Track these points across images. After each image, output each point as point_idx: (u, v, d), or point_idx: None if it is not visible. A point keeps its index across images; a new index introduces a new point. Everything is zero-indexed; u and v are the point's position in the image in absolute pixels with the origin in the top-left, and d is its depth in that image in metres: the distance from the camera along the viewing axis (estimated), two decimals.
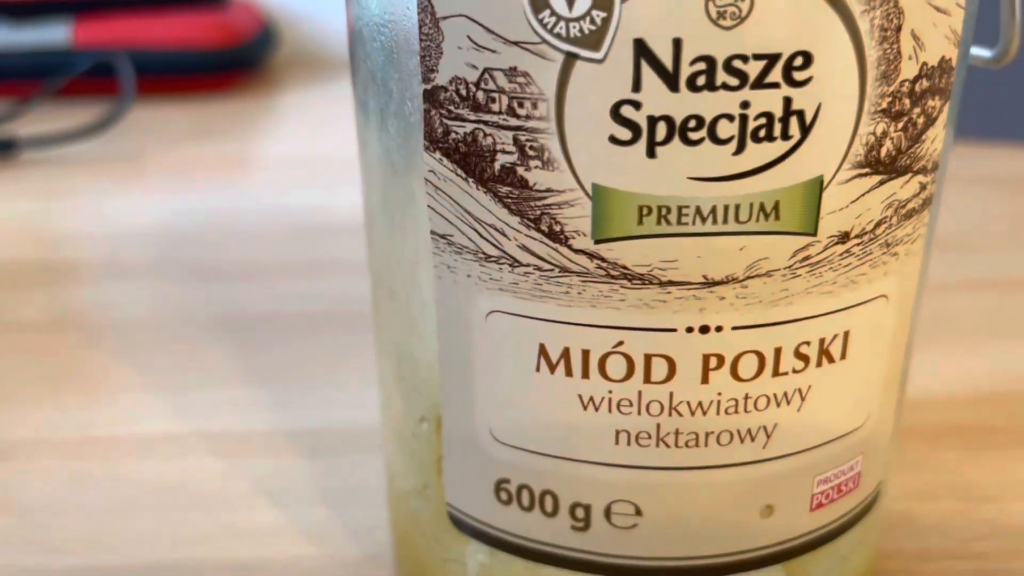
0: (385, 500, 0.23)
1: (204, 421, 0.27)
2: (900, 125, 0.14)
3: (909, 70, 0.13)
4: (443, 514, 0.17)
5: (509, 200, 0.14)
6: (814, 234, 0.14)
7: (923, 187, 0.15)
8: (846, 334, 0.15)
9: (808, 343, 0.15)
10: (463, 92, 0.14)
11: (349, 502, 0.24)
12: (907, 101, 0.14)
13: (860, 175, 0.14)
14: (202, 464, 0.25)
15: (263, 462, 0.25)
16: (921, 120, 0.14)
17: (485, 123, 0.14)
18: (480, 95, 0.13)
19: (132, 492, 0.24)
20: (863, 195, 0.14)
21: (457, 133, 0.14)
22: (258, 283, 0.35)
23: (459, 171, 0.14)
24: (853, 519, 0.17)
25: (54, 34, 0.55)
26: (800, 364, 0.15)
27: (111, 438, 0.26)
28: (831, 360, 0.15)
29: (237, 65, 0.58)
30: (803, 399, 0.15)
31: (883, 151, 0.14)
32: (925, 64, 0.14)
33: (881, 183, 0.14)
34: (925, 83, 0.14)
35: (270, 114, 0.57)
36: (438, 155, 0.14)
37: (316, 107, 0.57)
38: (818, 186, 0.14)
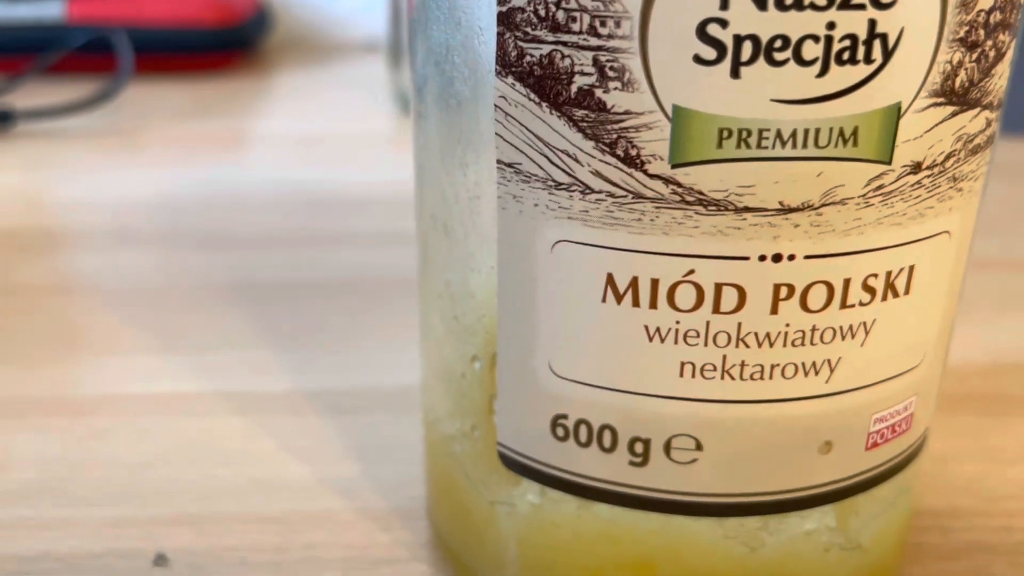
0: (415, 456, 0.23)
1: (223, 382, 0.26)
2: (974, 56, 0.14)
3: (986, 0, 0.14)
4: (492, 455, 0.17)
5: (584, 124, 0.14)
6: (889, 162, 0.14)
7: (988, 124, 0.15)
8: (911, 268, 0.15)
9: (876, 275, 0.15)
10: (542, 12, 0.14)
11: (376, 458, 0.23)
12: (982, 32, 0.14)
13: (935, 104, 0.14)
14: (225, 422, 0.25)
15: (286, 420, 0.25)
16: (992, 53, 0.14)
17: (564, 44, 0.14)
18: (560, 14, 0.13)
19: (155, 447, 0.24)
20: (936, 125, 0.14)
21: (533, 56, 0.14)
22: (263, 252, 0.35)
23: (532, 95, 0.14)
24: (903, 461, 0.17)
25: (49, 9, 0.54)
26: (867, 297, 0.15)
27: (129, 396, 0.26)
28: (896, 295, 0.15)
29: (232, 45, 0.58)
30: (867, 333, 0.15)
31: (957, 81, 0.14)
32: None
33: (953, 114, 0.14)
34: (998, 15, 0.14)
35: (265, 95, 0.57)
36: (510, 80, 0.14)
37: (311, 89, 0.57)
38: (896, 113, 0.14)
